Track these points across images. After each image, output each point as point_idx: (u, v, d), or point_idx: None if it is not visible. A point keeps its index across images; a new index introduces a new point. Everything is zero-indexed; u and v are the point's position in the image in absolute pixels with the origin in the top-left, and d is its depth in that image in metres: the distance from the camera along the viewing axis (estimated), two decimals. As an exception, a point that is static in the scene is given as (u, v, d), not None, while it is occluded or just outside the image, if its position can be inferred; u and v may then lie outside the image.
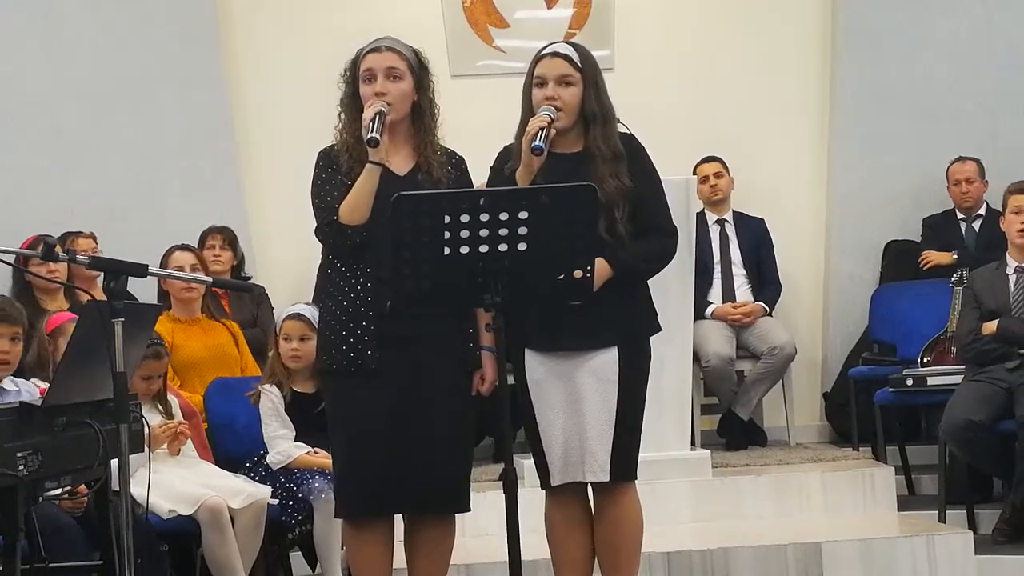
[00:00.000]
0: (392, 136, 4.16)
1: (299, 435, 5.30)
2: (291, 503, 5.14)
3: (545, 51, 4.26)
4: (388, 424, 4.08)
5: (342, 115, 4.28)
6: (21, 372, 4.81)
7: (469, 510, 4.27)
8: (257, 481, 5.19)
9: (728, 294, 7.35)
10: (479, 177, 4.41)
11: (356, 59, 4.26)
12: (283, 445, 5.26)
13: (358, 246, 4.10)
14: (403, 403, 4.09)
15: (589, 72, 4.23)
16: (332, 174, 4.19)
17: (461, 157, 4.36)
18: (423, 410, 4.10)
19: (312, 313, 5.20)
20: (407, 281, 3.70)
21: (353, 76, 4.25)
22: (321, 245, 4.25)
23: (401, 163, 4.22)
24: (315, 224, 4.20)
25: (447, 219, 3.60)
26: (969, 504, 6.22)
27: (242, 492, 4.98)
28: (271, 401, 5.31)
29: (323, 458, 5.18)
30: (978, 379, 6.00)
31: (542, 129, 4.06)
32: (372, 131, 4.03)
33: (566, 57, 4.22)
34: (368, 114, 4.08)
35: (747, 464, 6.46)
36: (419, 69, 4.25)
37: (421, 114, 4.26)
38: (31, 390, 4.61)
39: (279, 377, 5.36)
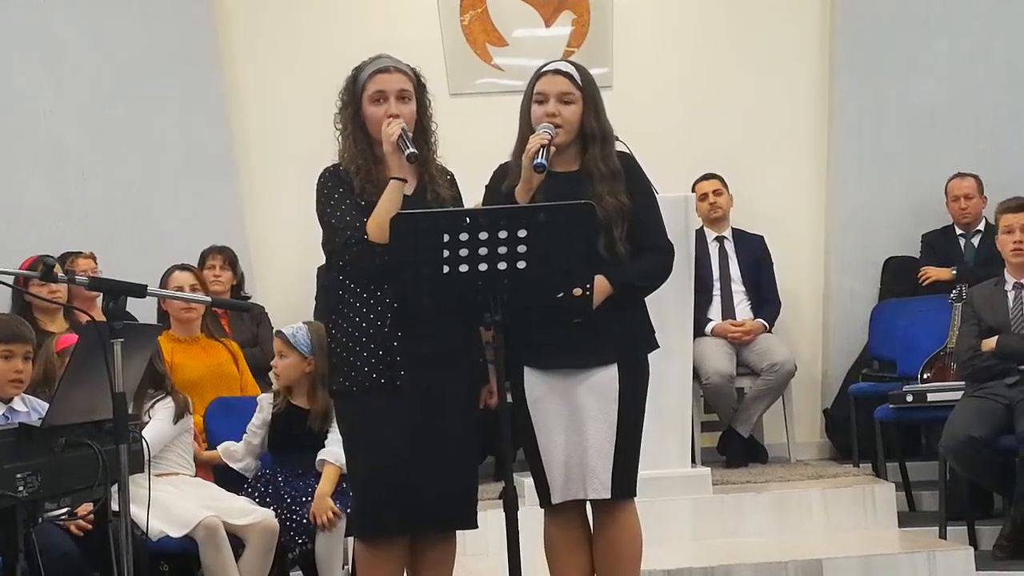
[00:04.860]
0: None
1: (277, 449, 5.37)
2: (292, 523, 5.13)
3: (546, 68, 4.26)
4: (410, 443, 4.03)
5: (345, 135, 4.19)
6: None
7: (477, 527, 4.26)
8: (258, 500, 5.20)
9: (728, 311, 7.36)
10: (478, 195, 4.40)
11: (357, 77, 4.20)
12: (240, 448, 5.42)
13: (386, 265, 3.96)
14: (423, 422, 4.04)
15: (589, 91, 4.23)
16: (345, 194, 4.10)
17: (452, 174, 4.33)
18: (441, 428, 4.07)
19: (293, 331, 5.31)
20: (407, 300, 3.70)
21: (353, 94, 4.19)
22: (323, 264, 4.19)
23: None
24: (333, 245, 4.08)
25: (446, 238, 3.60)
26: (970, 520, 6.21)
27: (250, 512, 5.01)
28: (262, 410, 5.41)
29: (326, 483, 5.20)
30: (978, 395, 6.00)
31: (543, 146, 4.04)
32: (411, 147, 3.99)
33: (567, 75, 4.22)
34: (394, 130, 4.01)
35: (747, 481, 6.46)
36: (419, 89, 4.23)
37: (424, 133, 4.23)
38: (41, 409, 4.57)
39: (282, 386, 5.44)
